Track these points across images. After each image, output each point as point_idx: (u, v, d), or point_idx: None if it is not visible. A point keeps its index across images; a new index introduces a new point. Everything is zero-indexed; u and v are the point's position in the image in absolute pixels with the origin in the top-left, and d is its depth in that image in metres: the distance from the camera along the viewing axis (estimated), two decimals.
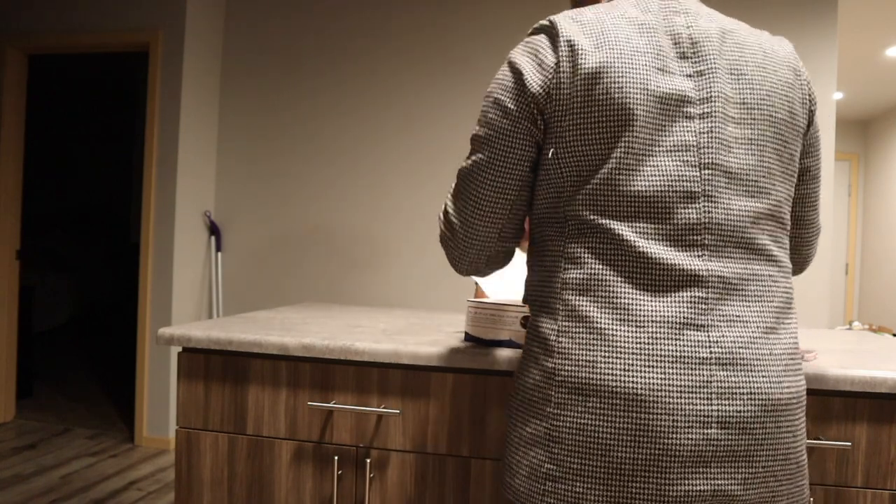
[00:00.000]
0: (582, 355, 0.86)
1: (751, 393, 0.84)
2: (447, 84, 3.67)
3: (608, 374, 0.84)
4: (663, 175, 0.88)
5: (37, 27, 3.76)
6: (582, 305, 0.88)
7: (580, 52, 0.90)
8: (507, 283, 1.42)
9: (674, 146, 0.89)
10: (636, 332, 0.85)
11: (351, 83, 3.78)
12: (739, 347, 0.85)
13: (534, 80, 0.92)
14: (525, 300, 1.00)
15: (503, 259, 1.06)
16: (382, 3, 3.74)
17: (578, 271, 0.89)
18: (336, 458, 1.26)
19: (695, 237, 0.87)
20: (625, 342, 0.85)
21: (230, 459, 1.32)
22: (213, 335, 1.31)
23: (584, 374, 0.85)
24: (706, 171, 0.89)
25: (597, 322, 0.86)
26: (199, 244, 3.82)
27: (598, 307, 0.87)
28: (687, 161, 0.88)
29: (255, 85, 3.89)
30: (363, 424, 1.27)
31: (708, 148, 0.89)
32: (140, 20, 3.64)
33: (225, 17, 3.92)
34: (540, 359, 0.90)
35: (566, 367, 0.87)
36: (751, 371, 0.85)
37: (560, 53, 0.91)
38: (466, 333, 1.29)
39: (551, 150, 0.91)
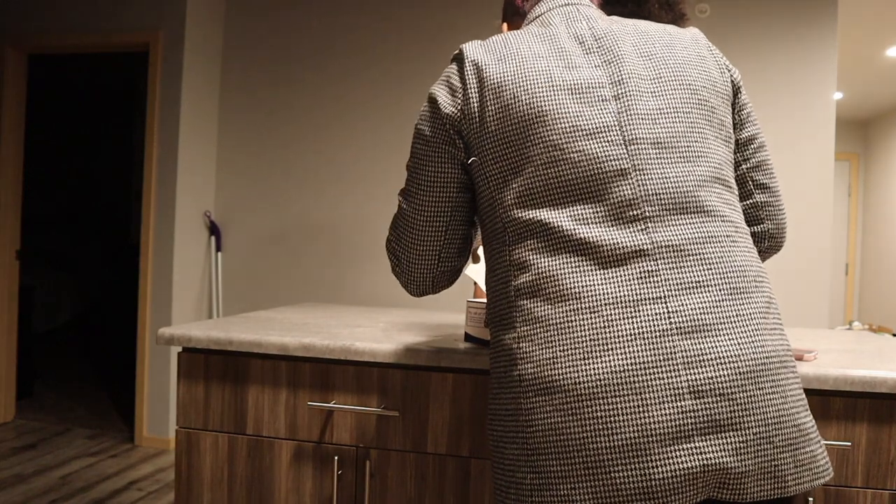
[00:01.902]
0: (542, 355, 0.84)
1: (718, 357, 0.81)
2: None
3: (569, 367, 0.82)
4: (590, 158, 0.88)
5: (37, 27, 3.76)
6: (536, 307, 0.86)
7: (484, 67, 0.95)
8: None
9: (595, 129, 0.89)
10: (591, 318, 0.83)
11: (351, 82, 3.78)
12: (701, 313, 0.83)
13: (446, 102, 0.97)
14: (487, 323, 1.01)
15: (449, 278, 1.09)
16: (382, 2, 3.74)
17: (527, 275, 0.88)
18: (336, 458, 1.27)
19: (634, 212, 0.87)
20: (582, 331, 0.83)
21: (230, 459, 1.32)
22: (213, 335, 1.31)
23: (546, 374, 0.83)
24: (632, 147, 0.89)
25: (552, 318, 0.84)
26: (199, 244, 3.82)
27: (550, 304, 0.85)
28: (611, 140, 0.89)
29: (255, 85, 3.89)
30: (363, 424, 1.27)
31: (628, 124, 0.90)
32: (140, 20, 3.64)
33: (225, 17, 3.92)
34: (507, 372, 0.88)
35: (530, 371, 0.84)
36: (717, 336, 0.82)
37: (466, 73, 0.96)
38: (466, 333, 1.29)
39: (472, 159, 0.95)
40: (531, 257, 0.88)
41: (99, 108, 7.76)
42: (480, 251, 1.48)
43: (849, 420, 1.16)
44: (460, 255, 1.07)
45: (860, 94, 6.40)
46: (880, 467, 1.15)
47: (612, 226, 0.86)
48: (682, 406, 0.79)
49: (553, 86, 0.91)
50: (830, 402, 1.16)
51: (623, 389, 0.80)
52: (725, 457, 0.79)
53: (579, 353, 0.82)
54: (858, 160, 7.56)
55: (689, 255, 0.86)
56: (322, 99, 3.81)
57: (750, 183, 1.06)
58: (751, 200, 1.07)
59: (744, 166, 1.06)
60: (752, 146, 1.05)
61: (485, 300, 1.28)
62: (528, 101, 0.91)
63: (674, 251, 0.85)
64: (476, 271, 1.40)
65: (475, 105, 0.95)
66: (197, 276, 3.81)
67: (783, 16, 3.37)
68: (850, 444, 1.13)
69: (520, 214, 0.90)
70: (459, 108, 0.96)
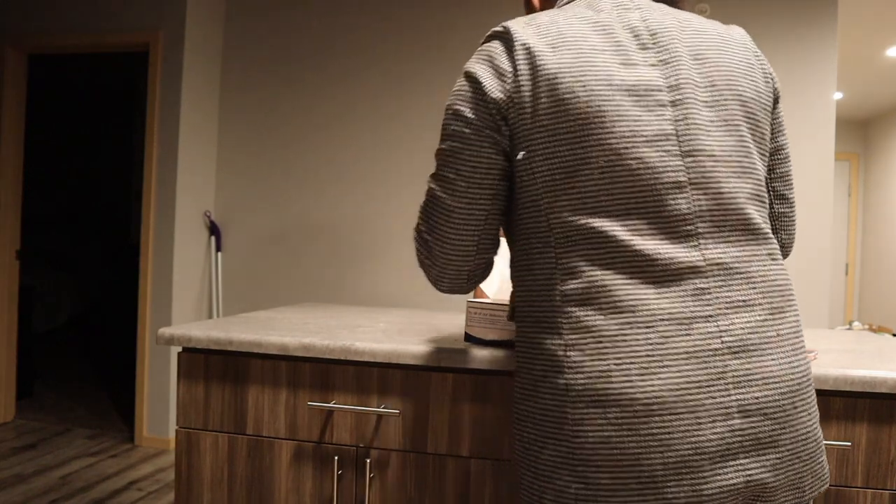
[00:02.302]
0: (595, 366, 0.83)
1: (764, 378, 0.83)
2: (449, 83, 3.67)
3: (625, 382, 0.81)
4: (648, 167, 0.85)
5: (37, 27, 3.76)
6: (587, 316, 0.84)
7: (537, 53, 0.88)
8: (507, 283, 1.42)
9: (654, 136, 0.86)
10: (646, 333, 0.82)
11: (351, 82, 3.78)
12: (748, 333, 0.84)
13: (493, 86, 0.90)
14: (512, 317, 0.99)
15: (483, 272, 1.02)
16: (382, 2, 3.74)
17: (577, 282, 0.86)
18: (336, 458, 1.27)
19: (688, 227, 0.86)
20: (636, 346, 0.82)
21: (230, 459, 1.32)
22: (213, 335, 1.31)
23: (600, 386, 0.82)
24: (689, 159, 0.87)
25: (605, 330, 0.83)
26: (199, 244, 3.82)
27: (603, 315, 0.84)
28: (668, 150, 0.86)
29: (255, 85, 3.89)
30: (363, 424, 1.27)
31: (686, 134, 0.87)
32: (140, 20, 3.64)
33: (225, 17, 3.92)
34: (549, 378, 0.86)
35: (580, 382, 0.83)
36: (761, 356, 0.84)
37: (517, 57, 0.90)
38: (466, 333, 1.29)
39: (521, 153, 0.89)
40: (582, 265, 0.86)
41: (99, 108, 7.76)
42: None
43: (849, 420, 1.16)
44: (495, 247, 1.01)
45: (860, 94, 6.40)
46: (880, 467, 1.15)
47: (666, 240, 0.85)
48: (731, 425, 0.81)
49: (611, 84, 0.86)
50: (830, 402, 1.16)
51: (679, 407, 0.81)
52: (764, 473, 0.82)
53: (635, 369, 0.82)
54: (858, 160, 7.56)
55: (736, 273, 0.86)
56: (322, 99, 3.81)
57: (772, 193, 1.06)
58: (770, 210, 1.06)
59: (769, 176, 1.05)
60: (780, 156, 1.05)
61: (485, 300, 1.28)
62: (586, 99, 0.86)
63: (723, 269, 0.86)
64: None
65: (527, 94, 0.88)
66: (197, 276, 3.81)
67: (783, 16, 3.37)
68: (850, 444, 1.13)
69: (571, 219, 0.86)
70: (508, 94, 0.89)
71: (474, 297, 1.78)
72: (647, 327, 0.83)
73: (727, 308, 0.84)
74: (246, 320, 1.53)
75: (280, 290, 3.85)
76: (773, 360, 0.84)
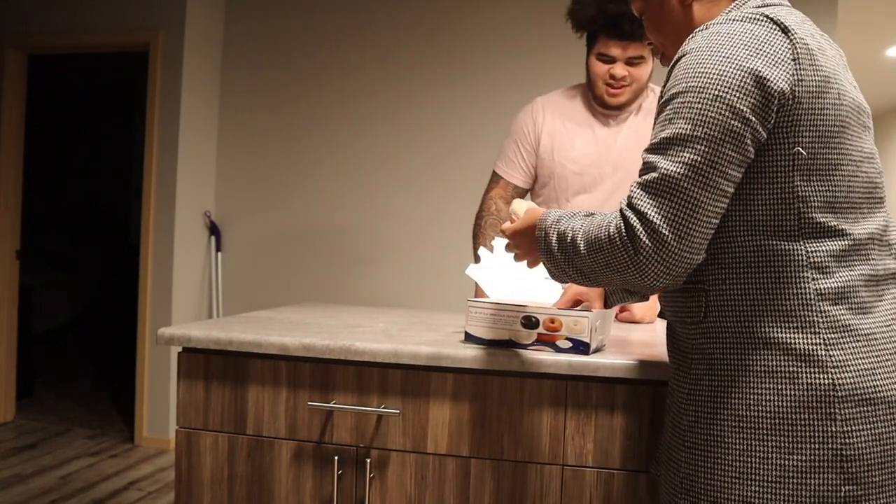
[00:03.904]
0: (860, 365, 0.86)
1: None
2: (448, 82, 3.67)
3: (886, 379, 0.87)
4: (869, 181, 0.94)
5: (37, 27, 3.76)
6: (843, 315, 0.88)
7: (816, 51, 0.90)
8: (507, 283, 1.42)
9: (869, 154, 0.95)
10: (886, 332, 0.89)
11: (351, 82, 3.77)
12: None
13: (777, 76, 0.87)
14: (718, 309, 0.94)
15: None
16: (383, 2, 3.74)
17: (829, 280, 0.89)
18: (336, 458, 1.27)
19: (887, 237, 0.95)
20: (885, 344, 0.88)
21: (230, 459, 1.32)
22: (213, 335, 1.31)
23: (868, 385, 0.86)
24: (882, 178, 0.98)
25: (860, 329, 0.88)
26: (199, 244, 3.82)
27: (854, 315, 0.88)
28: (876, 168, 0.96)
29: (256, 85, 3.89)
30: (363, 424, 1.27)
31: (878, 157, 0.98)
32: (140, 20, 3.64)
33: (225, 16, 3.92)
34: (802, 376, 0.87)
35: (848, 380, 0.86)
36: None
37: (798, 50, 0.88)
38: (466, 333, 1.29)
39: (797, 149, 0.88)
40: (832, 263, 0.90)
41: (99, 108, 7.75)
42: (481, 251, 1.48)
43: None
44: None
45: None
46: None
47: (878, 247, 0.94)
48: None
49: (852, 100, 0.94)
50: None
51: None
52: None
53: (891, 365, 0.88)
54: None
55: None
56: (322, 99, 3.81)
57: None
58: None
59: None
60: None
61: (485, 300, 1.28)
62: (846, 110, 0.91)
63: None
64: (477, 271, 1.40)
65: (810, 89, 0.88)
66: (197, 276, 3.81)
67: None
68: None
69: (822, 217, 0.90)
70: (790, 86, 0.87)
71: (475, 296, 1.78)
72: (888, 327, 0.90)
73: None
74: (246, 320, 1.53)
75: (280, 290, 3.85)
76: None
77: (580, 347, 1.19)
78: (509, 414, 1.22)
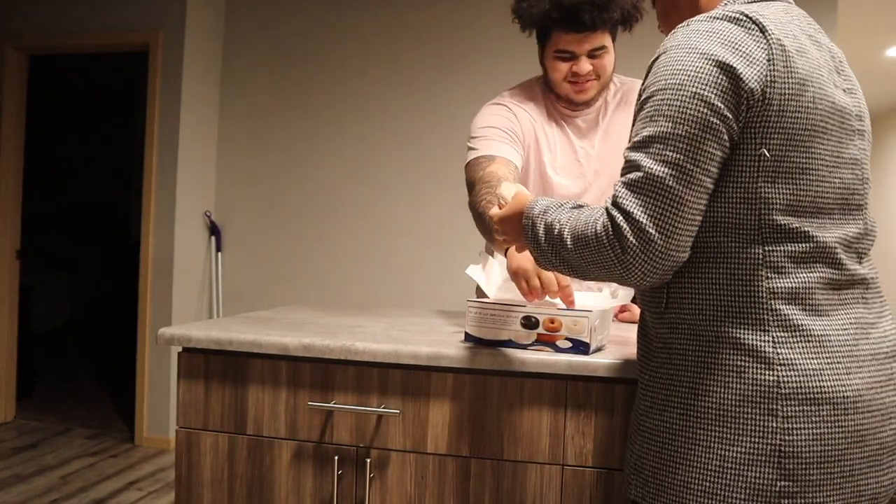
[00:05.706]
0: (807, 365, 0.87)
1: None
2: (448, 83, 3.67)
3: (835, 381, 0.87)
4: (844, 187, 0.93)
5: (37, 27, 3.76)
6: (795, 315, 0.89)
7: (793, 53, 0.89)
8: (507, 283, 1.42)
9: (851, 160, 0.94)
10: (843, 335, 0.90)
11: (351, 83, 3.78)
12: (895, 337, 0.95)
13: (749, 75, 0.87)
14: (679, 307, 0.95)
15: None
16: (384, 3, 3.74)
17: (784, 280, 0.89)
18: (336, 458, 1.27)
19: (858, 245, 0.95)
20: (839, 347, 0.89)
21: (230, 459, 1.32)
22: (213, 335, 1.31)
23: (813, 384, 0.87)
24: (865, 186, 0.96)
25: (812, 330, 0.89)
26: (199, 244, 3.82)
27: (807, 316, 0.89)
28: (857, 175, 0.95)
29: (256, 85, 3.89)
30: (363, 424, 1.27)
31: (864, 164, 0.96)
32: (140, 20, 3.64)
33: (225, 17, 3.92)
34: (748, 371, 0.88)
35: (793, 378, 0.87)
36: None
37: (773, 50, 0.88)
38: (466, 333, 1.29)
39: (762, 150, 0.88)
40: (789, 265, 0.90)
41: (99, 108, 7.75)
42: (486, 258, 1.48)
43: None
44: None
45: None
46: None
47: (845, 252, 0.93)
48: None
49: (833, 104, 0.92)
50: None
51: (870, 406, 0.89)
52: None
53: (841, 368, 0.88)
54: None
55: (873, 287, 0.97)
56: (322, 98, 3.81)
57: None
58: None
59: None
60: None
61: (485, 300, 1.28)
62: (820, 113, 0.90)
63: (868, 284, 0.96)
64: (477, 271, 1.40)
65: (781, 91, 0.87)
66: (197, 276, 3.81)
67: None
68: None
69: (783, 220, 0.89)
70: (761, 86, 0.87)
71: (475, 296, 1.78)
72: (843, 330, 0.90)
73: (877, 317, 0.94)
74: (246, 320, 1.53)
75: (280, 290, 3.85)
76: None
77: (580, 347, 1.19)
78: (509, 414, 1.22)
